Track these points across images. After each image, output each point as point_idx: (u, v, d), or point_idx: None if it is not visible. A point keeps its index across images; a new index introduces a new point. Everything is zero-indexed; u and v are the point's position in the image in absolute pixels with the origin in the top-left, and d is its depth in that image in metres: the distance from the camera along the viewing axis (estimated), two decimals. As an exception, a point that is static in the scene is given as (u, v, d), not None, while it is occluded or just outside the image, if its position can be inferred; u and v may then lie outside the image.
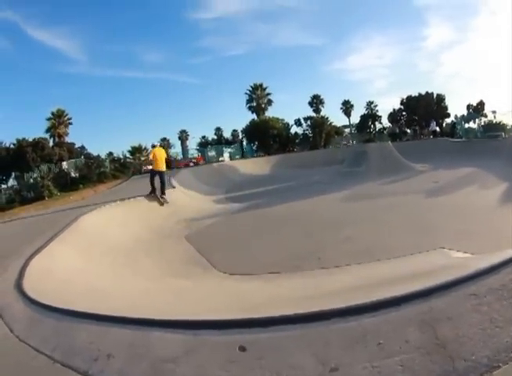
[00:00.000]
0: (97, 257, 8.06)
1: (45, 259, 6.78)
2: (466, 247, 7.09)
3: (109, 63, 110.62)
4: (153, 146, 16.28)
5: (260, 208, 14.93)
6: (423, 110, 56.30)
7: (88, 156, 41.24)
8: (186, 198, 16.86)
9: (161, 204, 13.89)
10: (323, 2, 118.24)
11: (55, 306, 4.23)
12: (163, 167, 14.50)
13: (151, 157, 14.59)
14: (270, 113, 62.88)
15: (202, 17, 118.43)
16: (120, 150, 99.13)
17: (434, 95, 60.48)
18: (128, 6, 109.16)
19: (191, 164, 41.70)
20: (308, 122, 54.55)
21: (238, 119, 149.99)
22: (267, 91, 65.09)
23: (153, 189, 14.19)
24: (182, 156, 52.79)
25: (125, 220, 11.41)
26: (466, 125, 47.72)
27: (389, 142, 30.35)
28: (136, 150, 47.45)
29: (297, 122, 56.15)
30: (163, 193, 14.23)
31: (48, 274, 6.21)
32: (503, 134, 40.42)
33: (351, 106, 73.48)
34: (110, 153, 48.55)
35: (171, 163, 29.45)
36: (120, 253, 8.67)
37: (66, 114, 52.94)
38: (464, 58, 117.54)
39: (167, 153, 20.42)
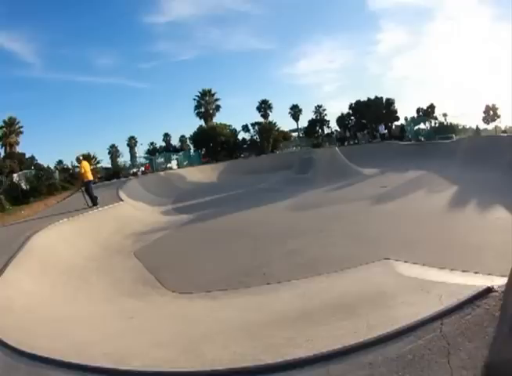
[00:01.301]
0: (52, 281, 7.97)
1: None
2: (412, 256, 7.19)
3: (62, 67, 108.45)
4: (79, 159, 16.63)
5: (207, 220, 14.80)
6: (371, 114, 56.94)
7: (39, 167, 40.18)
8: (134, 211, 16.84)
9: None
10: (275, 7, 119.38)
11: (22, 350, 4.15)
12: (91, 177, 15.54)
13: (82, 170, 15.27)
14: (218, 118, 63.50)
15: (155, 21, 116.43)
16: (70, 158, 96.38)
17: (384, 99, 61.35)
18: (82, 9, 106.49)
19: (139, 172, 40.96)
20: (256, 128, 54.17)
21: (187, 125, 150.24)
22: (215, 96, 65.44)
23: (94, 200, 14.94)
24: (130, 163, 51.53)
25: (75, 237, 11.34)
26: (416, 128, 48.03)
27: (336, 147, 30.50)
28: (86, 159, 45.50)
29: (245, 128, 55.91)
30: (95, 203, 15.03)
31: (6, 306, 6.13)
32: (454, 136, 41.01)
33: (300, 110, 75.14)
34: (60, 162, 48.55)
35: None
36: (73, 274, 8.59)
37: (18, 122, 52.11)
38: (416, 62, 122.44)
39: (90, 164, 22.17)
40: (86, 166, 15.68)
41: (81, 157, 17.19)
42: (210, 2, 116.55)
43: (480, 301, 3.03)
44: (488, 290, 3.17)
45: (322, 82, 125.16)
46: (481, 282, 5.77)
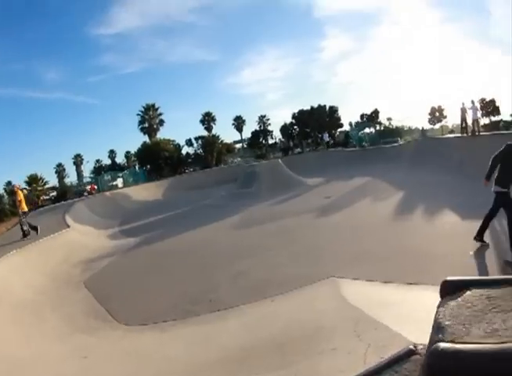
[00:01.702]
0: (6, 318, 7.77)
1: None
2: (359, 270, 7.32)
3: (8, 82, 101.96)
4: (14, 189, 16.32)
5: (153, 242, 14.60)
6: (315, 122, 57.56)
7: (-12, 191, 37.95)
8: (82, 237, 16.48)
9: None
10: (221, 17, 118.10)
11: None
12: (25, 208, 15.02)
13: (19, 198, 14.79)
14: (163, 133, 62.83)
15: (103, 33, 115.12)
16: (20, 178, 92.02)
17: (327, 107, 62.24)
18: (28, 22, 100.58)
19: (85, 193, 39.84)
20: (200, 141, 53.88)
21: (132, 140, 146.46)
22: (159, 111, 64.37)
23: (35, 229, 14.48)
24: (77, 182, 50.34)
25: (25, 269, 11.07)
26: (361, 133, 48.85)
27: (279, 159, 30.44)
28: (33, 180, 45.48)
29: (189, 142, 55.66)
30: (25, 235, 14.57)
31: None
32: (399, 139, 41.77)
33: (243, 121, 74.69)
34: (9, 183, 46.90)
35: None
36: (24, 310, 8.36)
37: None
38: (361, 67, 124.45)
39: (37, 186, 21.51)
40: (21, 196, 15.16)
41: (17, 186, 16.56)
42: (157, 13, 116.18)
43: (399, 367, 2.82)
44: (411, 352, 2.94)
45: (266, 91, 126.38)
46: (429, 294, 5.75)
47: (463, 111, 22.42)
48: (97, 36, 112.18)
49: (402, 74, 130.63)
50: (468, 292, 1.19)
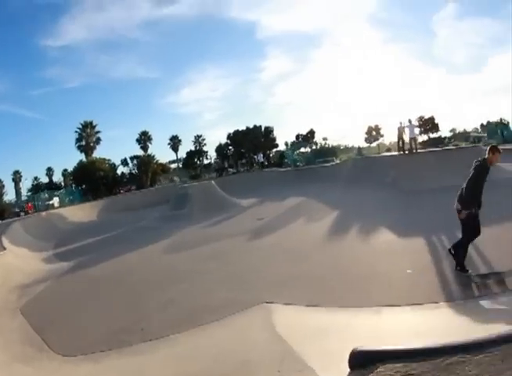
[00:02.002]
0: None
1: None
2: (291, 295, 7.22)
3: None
4: None
5: (87, 267, 14.02)
6: (250, 143, 57.88)
7: None
8: (17, 259, 15.86)
9: None
10: (165, 34, 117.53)
11: None
12: None
13: None
14: (99, 151, 61.86)
15: (51, 44, 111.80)
16: None
17: (263, 128, 62.80)
18: None
19: (22, 213, 38.47)
20: (135, 161, 52.89)
21: (70, 158, 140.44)
22: (96, 129, 63.30)
23: None
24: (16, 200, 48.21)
25: None
26: (296, 153, 49.43)
27: (212, 180, 29.88)
28: None
29: (124, 162, 54.33)
30: None
31: None
32: (335, 159, 42.49)
33: (179, 141, 74.11)
34: None
35: None
36: None
37: None
38: (299, 88, 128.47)
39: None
40: None
41: None
42: (103, 27, 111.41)
43: None
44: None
45: (204, 111, 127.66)
46: (366, 317, 5.79)
47: (400, 130, 23.08)
48: (45, 47, 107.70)
49: (341, 95, 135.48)
50: (381, 368, 1.04)
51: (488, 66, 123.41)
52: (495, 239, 8.56)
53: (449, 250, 7.62)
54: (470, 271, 7.26)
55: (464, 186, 7.14)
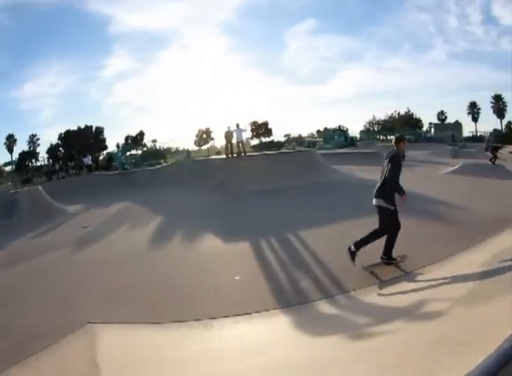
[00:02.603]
0: None
1: None
2: (118, 313, 6.59)
3: None
4: None
5: None
6: (80, 144, 54.81)
7: None
8: None
9: None
10: (24, 21, 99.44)
11: None
12: None
13: None
14: None
15: None
16: None
17: (94, 128, 60.16)
18: None
19: None
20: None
21: None
22: None
23: None
24: None
25: None
26: (125, 156, 47.85)
27: (39, 186, 27.05)
28: None
29: None
30: None
31: None
32: (163, 161, 42.00)
33: (15, 140, 66.80)
34: None
35: None
36: None
37: None
38: (137, 89, 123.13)
39: None
40: None
41: None
42: None
43: None
44: None
45: (42, 108, 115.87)
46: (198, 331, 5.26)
47: (228, 133, 23.60)
48: None
49: (179, 98, 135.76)
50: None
51: (334, 79, 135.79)
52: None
53: (349, 248, 7.17)
54: (398, 258, 7.25)
55: (382, 180, 7.20)
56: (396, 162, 7.12)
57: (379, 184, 7.25)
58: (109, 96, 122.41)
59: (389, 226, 7.15)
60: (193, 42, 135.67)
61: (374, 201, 7.25)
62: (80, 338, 5.96)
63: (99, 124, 63.99)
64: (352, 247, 7.12)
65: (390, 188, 7.09)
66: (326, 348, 4.45)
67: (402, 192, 7.06)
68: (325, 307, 5.89)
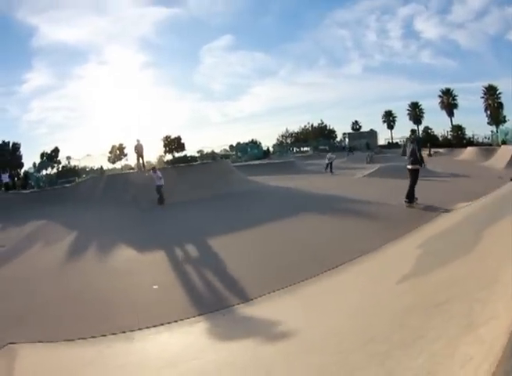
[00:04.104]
0: None
1: None
2: (36, 332, 6.21)
3: None
4: None
5: None
6: (-4, 160, 52.27)
7: None
8: None
9: None
10: None
11: None
12: None
13: None
14: None
15: None
16: None
17: (11, 145, 57.73)
18: None
19: None
20: None
21: None
22: None
23: None
24: None
25: None
26: (41, 173, 46.21)
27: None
28: None
29: None
30: None
31: None
32: (77, 179, 40.96)
33: None
34: None
35: None
36: None
37: None
38: (55, 105, 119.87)
39: None
40: None
41: None
42: None
43: None
44: None
45: None
46: (121, 345, 5.13)
47: (139, 146, 24.62)
48: None
49: (94, 113, 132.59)
50: None
51: (248, 95, 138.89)
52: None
53: (405, 201, 12.46)
54: (417, 199, 12.54)
55: (412, 154, 12.41)
56: (419, 142, 13.39)
57: (411, 157, 12.39)
58: (27, 113, 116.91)
59: (416, 179, 12.43)
60: (111, 58, 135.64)
61: (410, 166, 12.46)
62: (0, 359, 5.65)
63: (19, 141, 61.92)
64: (406, 200, 12.41)
65: (420, 158, 12.42)
66: (248, 350, 4.50)
67: (423, 161, 12.74)
68: (245, 310, 5.95)
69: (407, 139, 13.77)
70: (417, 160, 12.35)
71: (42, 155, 64.94)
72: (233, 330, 5.42)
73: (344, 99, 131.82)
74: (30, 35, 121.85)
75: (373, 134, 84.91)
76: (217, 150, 75.40)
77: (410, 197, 12.37)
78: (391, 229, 9.53)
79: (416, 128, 79.61)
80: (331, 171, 31.64)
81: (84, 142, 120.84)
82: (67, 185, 32.96)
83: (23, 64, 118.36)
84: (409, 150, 12.51)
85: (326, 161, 32.77)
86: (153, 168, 20.81)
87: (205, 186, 18.16)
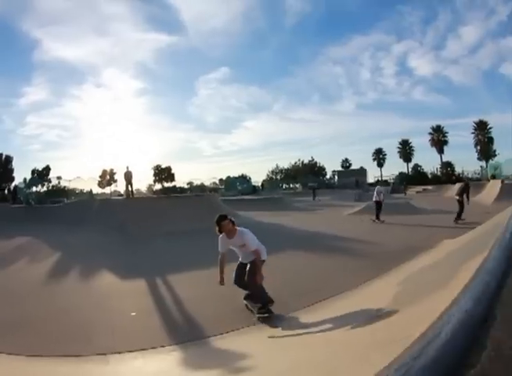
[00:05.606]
0: None
1: None
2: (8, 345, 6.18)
3: None
4: None
5: None
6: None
7: None
8: None
9: None
10: None
11: None
12: None
13: None
14: None
15: None
16: None
17: (3, 157, 57.94)
18: None
19: None
20: None
21: None
22: None
23: None
24: None
25: None
26: (31, 190, 46.14)
27: None
28: None
29: None
30: None
31: None
32: (66, 199, 41.02)
33: None
34: None
35: None
36: None
37: None
38: (50, 122, 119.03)
39: None
40: None
41: None
42: None
43: None
44: None
45: None
46: (93, 366, 5.25)
47: (128, 175, 25.86)
48: None
49: (87, 135, 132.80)
50: None
51: (240, 128, 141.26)
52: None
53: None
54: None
55: (459, 192, 18.47)
56: (467, 184, 19.29)
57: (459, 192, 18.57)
58: (22, 127, 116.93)
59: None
60: (108, 81, 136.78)
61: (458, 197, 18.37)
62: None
63: (9, 154, 61.80)
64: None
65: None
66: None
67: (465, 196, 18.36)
68: (218, 343, 6.06)
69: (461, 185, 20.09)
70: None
71: (33, 172, 64.86)
72: (206, 361, 5.54)
73: (336, 136, 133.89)
74: (32, 48, 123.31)
75: (362, 172, 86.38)
76: (206, 183, 75.81)
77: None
78: (374, 267, 9.77)
79: (405, 165, 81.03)
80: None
81: (75, 163, 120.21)
82: (56, 205, 32.81)
83: (23, 77, 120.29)
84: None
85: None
86: None
87: (192, 219, 18.25)
